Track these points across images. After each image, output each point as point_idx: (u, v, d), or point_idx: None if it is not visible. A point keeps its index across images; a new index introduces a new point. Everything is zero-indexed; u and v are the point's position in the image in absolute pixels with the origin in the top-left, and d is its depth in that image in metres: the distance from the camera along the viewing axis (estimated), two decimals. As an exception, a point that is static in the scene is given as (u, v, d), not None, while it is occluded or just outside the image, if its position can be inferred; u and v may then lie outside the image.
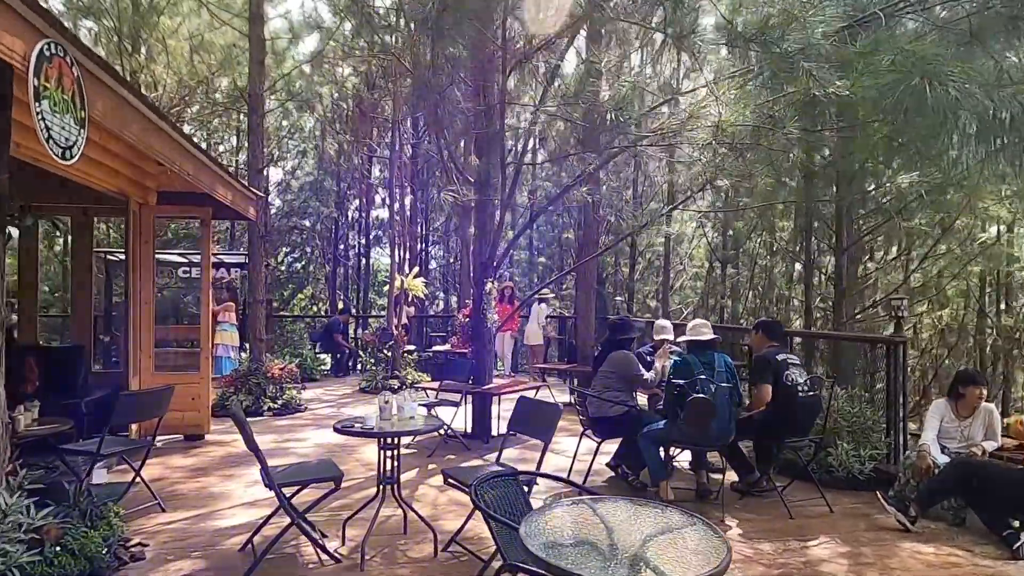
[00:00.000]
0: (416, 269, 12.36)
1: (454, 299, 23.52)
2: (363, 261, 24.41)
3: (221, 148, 21.11)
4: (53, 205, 6.71)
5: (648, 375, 5.39)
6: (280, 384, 8.91)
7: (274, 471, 3.87)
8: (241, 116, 16.60)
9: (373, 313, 21.31)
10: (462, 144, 9.50)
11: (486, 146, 6.79)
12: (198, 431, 6.83)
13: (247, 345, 9.50)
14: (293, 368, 9.23)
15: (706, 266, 21.54)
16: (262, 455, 3.71)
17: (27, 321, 6.66)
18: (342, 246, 23.81)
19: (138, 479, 4.68)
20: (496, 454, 4.52)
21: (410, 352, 11.64)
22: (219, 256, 13.66)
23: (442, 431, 5.41)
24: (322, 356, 12.95)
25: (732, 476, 5.36)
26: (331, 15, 15.66)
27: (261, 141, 8.94)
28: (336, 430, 3.94)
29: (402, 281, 11.70)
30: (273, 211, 22.44)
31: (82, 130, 3.25)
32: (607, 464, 5.66)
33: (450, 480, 3.98)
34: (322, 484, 3.84)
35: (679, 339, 5.40)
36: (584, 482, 5.18)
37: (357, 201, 24.04)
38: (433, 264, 23.44)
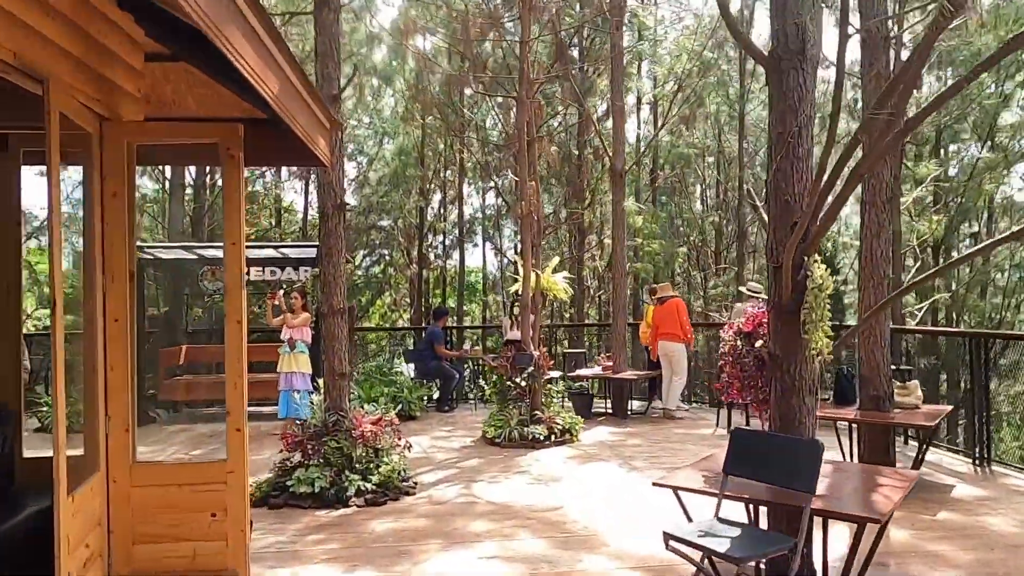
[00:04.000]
0: (556, 260, 8.65)
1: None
2: (446, 262, 21.11)
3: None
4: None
5: None
6: (375, 447, 5.40)
7: None
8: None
9: (468, 324, 17.84)
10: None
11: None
12: (224, 578, 3.32)
13: (319, 381, 6.05)
14: (393, 419, 5.70)
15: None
16: None
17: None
18: (426, 242, 20.48)
19: None
20: None
21: (552, 381, 7.96)
22: (281, 249, 10.31)
23: None
24: (409, 374, 9.38)
25: None
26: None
27: (335, 49, 5.46)
28: None
29: (537, 279, 8.05)
30: (348, 211, 19.39)
31: None
32: None
33: None
34: None
35: None
36: None
37: (440, 194, 20.81)
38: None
